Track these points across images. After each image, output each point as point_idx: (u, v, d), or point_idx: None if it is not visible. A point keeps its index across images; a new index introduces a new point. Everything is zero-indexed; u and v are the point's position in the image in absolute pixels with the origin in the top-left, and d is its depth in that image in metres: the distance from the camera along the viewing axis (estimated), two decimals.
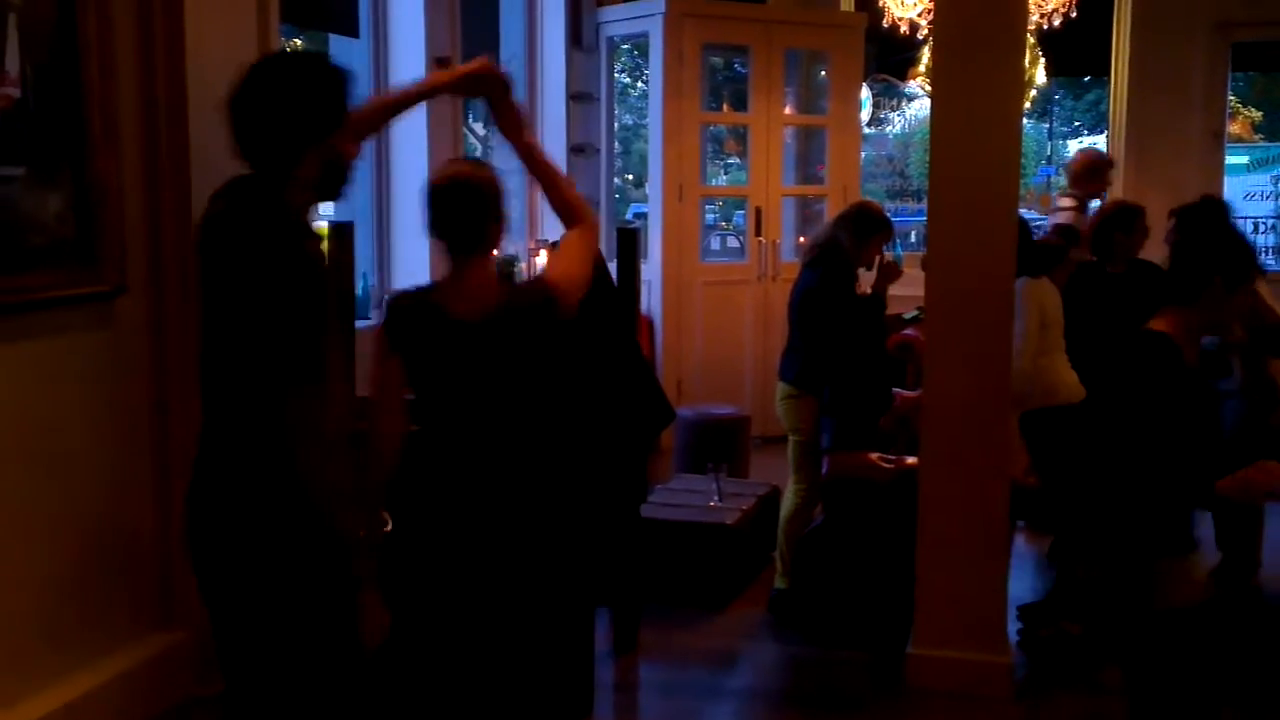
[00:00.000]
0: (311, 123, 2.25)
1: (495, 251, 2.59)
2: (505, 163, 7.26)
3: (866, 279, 4.88)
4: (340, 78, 2.30)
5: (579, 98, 7.29)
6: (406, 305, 2.53)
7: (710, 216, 14.49)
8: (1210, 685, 2.59)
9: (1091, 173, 5.98)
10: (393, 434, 2.47)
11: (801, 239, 8.18)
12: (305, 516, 2.13)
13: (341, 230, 4.11)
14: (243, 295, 2.16)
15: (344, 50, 5.43)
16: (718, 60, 10.06)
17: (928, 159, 3.92)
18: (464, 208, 2.48)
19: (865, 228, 4.58)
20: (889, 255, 4.63)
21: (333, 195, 2.41)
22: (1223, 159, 8.09)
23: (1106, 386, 2.55)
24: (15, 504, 3.15)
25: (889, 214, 4.86)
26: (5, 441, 3.11)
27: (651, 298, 6.98)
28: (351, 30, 5.26)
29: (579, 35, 7.29)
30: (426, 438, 2.49)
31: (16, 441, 3.14)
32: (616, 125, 8.04)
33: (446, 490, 2.40)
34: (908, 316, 4.69)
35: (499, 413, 2.42)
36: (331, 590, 2.20)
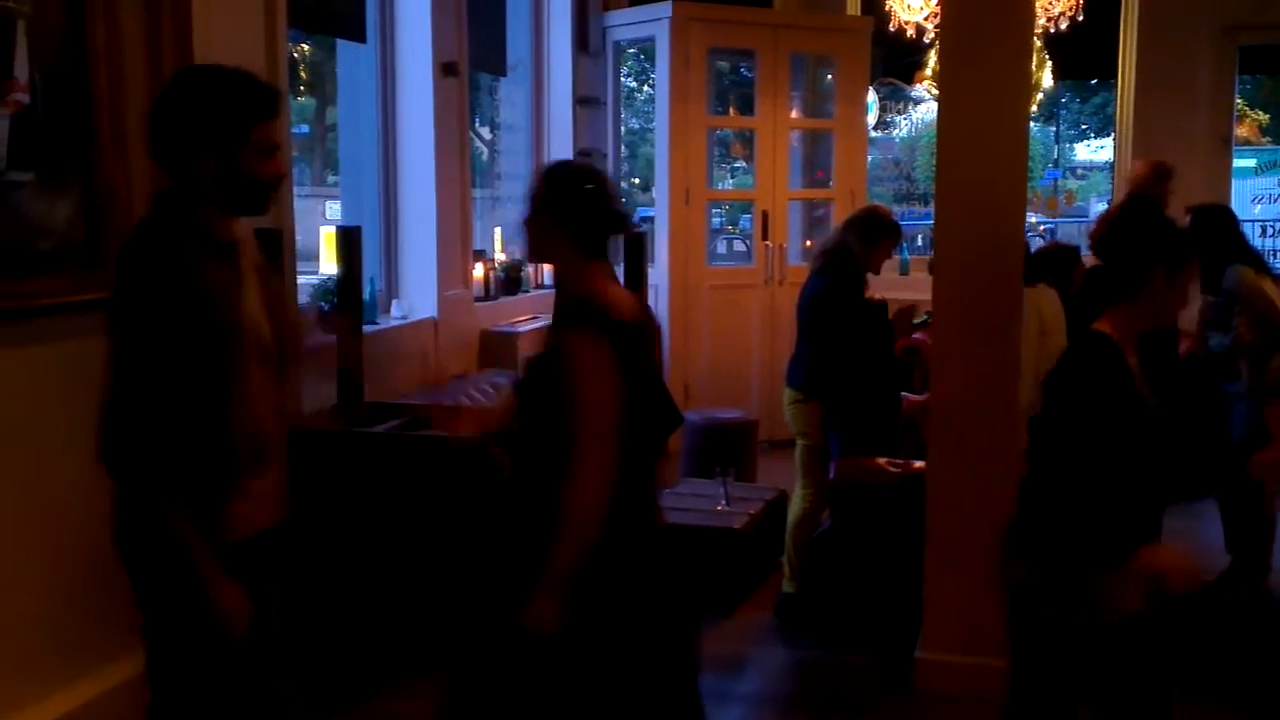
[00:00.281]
0: (206, 134, 2.27)
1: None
2: (511, 167, 7.30)
3: (875, 284, 4.87)
4: (243, 92, 2.31)
5: (585, 102, 7.30)
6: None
7: (716, 220, 14.52)
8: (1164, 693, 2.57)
9: (1157, 178, 5.93)
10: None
11: (809, 243, 8.19)
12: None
13: (349, 235, 4.12)
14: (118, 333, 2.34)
15: (351, 55, 5.44)
16: (724, 64, 10.10)
17: (934, 162, 3.91)
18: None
19: (874, 232, 4.58)
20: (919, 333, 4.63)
21: (248, 210, 2.40)
22: (1230, 162, 8.08)
23: (1051, 394, 2.52)
24: (21, 508, 3.15)
25: (896, 218, 4.85)
26: (11, 445, 3.12)
27: (658, 302, 6.97)
28: (359, 35, 5.27)
29: (585, 40, 7.30)
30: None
31: (22, 445, 3.15)
32: (622, 129, 8.05)
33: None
34: (917, 321, 4.68)
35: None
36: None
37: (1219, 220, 4.65)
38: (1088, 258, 4.99)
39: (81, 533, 3.34)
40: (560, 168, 2.60)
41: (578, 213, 2.43)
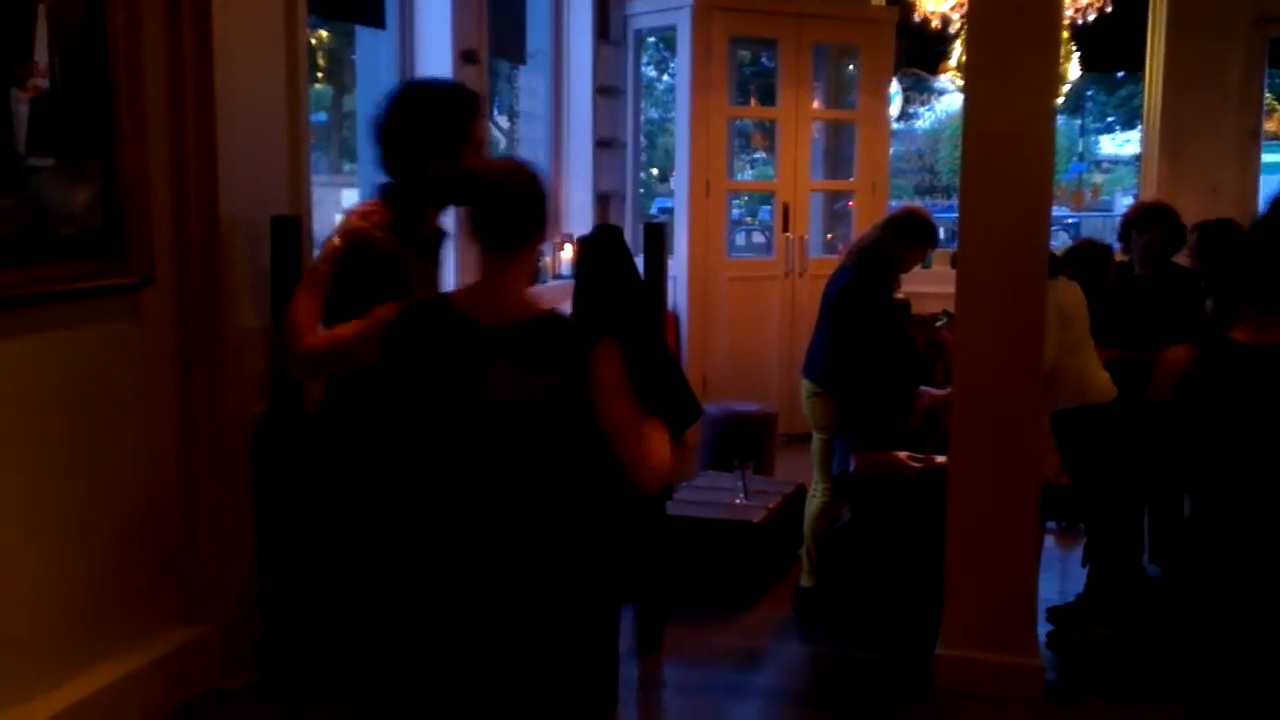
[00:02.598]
0: (437, 140, 2.68)
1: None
2: (530, 156, 7.27)
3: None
4: (459, 97, 2.75)
5: (605, 91, 7.27)
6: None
7: (736, 212, 14.47)
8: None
9: None
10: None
11: (829, 236, 8.15)
12: None
13: None
14: None
15: (370, 43, 5.42)
16: (745, 54, 10.03)
17: (957, 155, 3.87)
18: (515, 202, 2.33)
19: (913, 235, 4.57)
20: (942, 329, 4.59)
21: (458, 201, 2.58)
22: (1259, 157, 7.97)
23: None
24: (41, 494, 3.15)
25: (933, 220, 4.81)
26: (31, 430, 3.11)
27: (678, 293, 6.95)
28: (378, 22, 5.25)
29: (606, 28, 7.26)
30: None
31: (43, 431, 3.15)
32: (642, 119, 8.01)
33: (470, 484, 2.36)
34: (939, 324, 4.64)
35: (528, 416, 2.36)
36: None
37: (1228, 237, 4.60)
38: (1120, 255, 4.97)
39: (102, 517, 3.36)
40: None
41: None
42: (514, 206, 2.32)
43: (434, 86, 2.78)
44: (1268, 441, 2.38)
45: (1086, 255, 4.64)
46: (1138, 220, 4.84)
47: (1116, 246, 5.05)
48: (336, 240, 2.59)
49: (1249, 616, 2.42)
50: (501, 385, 2.24)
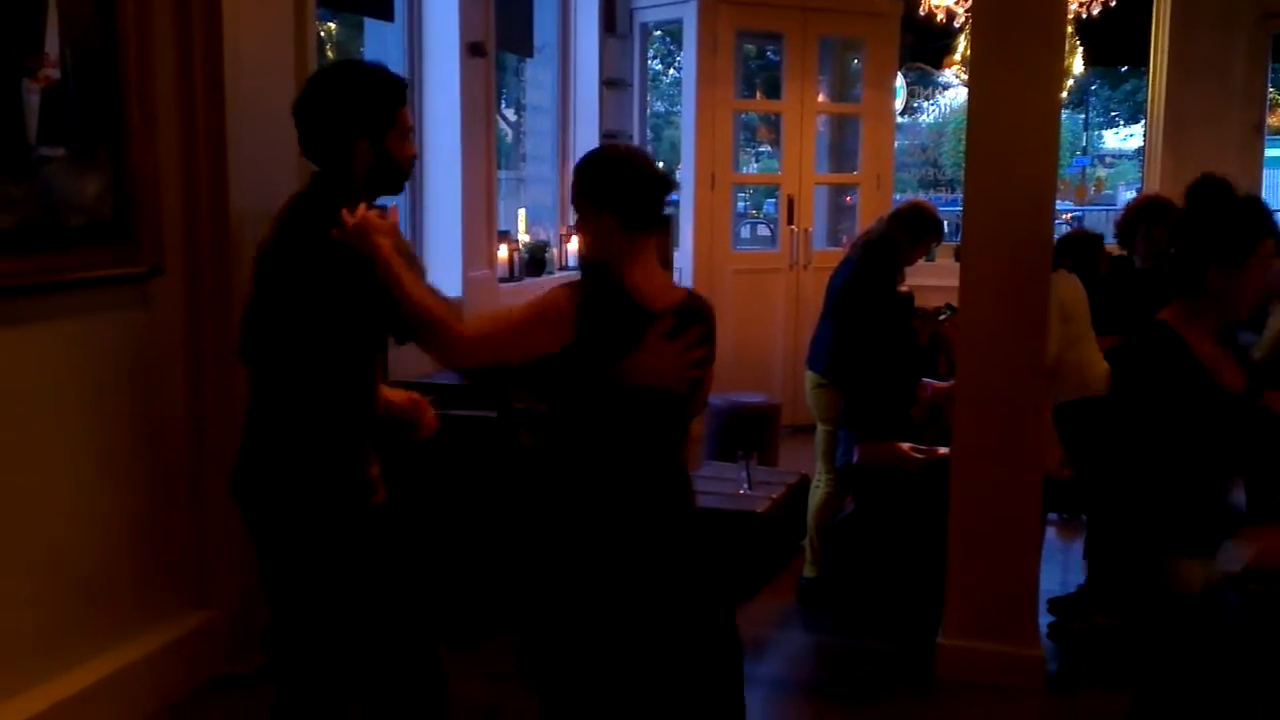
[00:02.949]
0: (360, 120, 2.45)
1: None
2: (536, 149, 7.29)
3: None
4: (384, 80, 2.51)
5: (612, 84, 7.28)
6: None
7: (741, 205, 14.48)
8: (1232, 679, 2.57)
9: None
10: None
11: (842, 234, 8.16)
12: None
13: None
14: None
15: (378, 34, 5.44)
16: (751, 47, 10.04)
17: (961, 148, 3.89)
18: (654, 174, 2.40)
19: (917, 228, 4.59)
20: (946, 322, 4.61)
21: (389, 190, 2.59)
22: (1263, 151, 7.97)
23: (1115, 382, 2.55)
24: (51, 481, 3.18)
25: (938, 214, 4.83)
26: (42, 418, 3.15)
27: (683, 285, 6.95)
28: (386, 14, 5.27)
29: (613, 22, 7.28)
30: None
31: (54, 418, 3.18)
32: (648, 112, 8.03)
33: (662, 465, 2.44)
34: (942, 317, 4.66)
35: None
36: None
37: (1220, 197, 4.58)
38: (1112, 246, 4.98)
39: (112, 503, 3.39)
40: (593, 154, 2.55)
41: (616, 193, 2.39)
42: (657, 184, 2.39)
43: (360, 66, 2.58)
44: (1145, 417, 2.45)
45: (1080, 245, 4.64)
46: (1150, 213, 4.82)
47: (1112, 240, 5.04)
48: (382, 241, 2.37)
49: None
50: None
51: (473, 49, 5.44)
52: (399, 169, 2.54)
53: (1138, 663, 2.68)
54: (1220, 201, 2.61)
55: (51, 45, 3.09)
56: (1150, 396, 2.43)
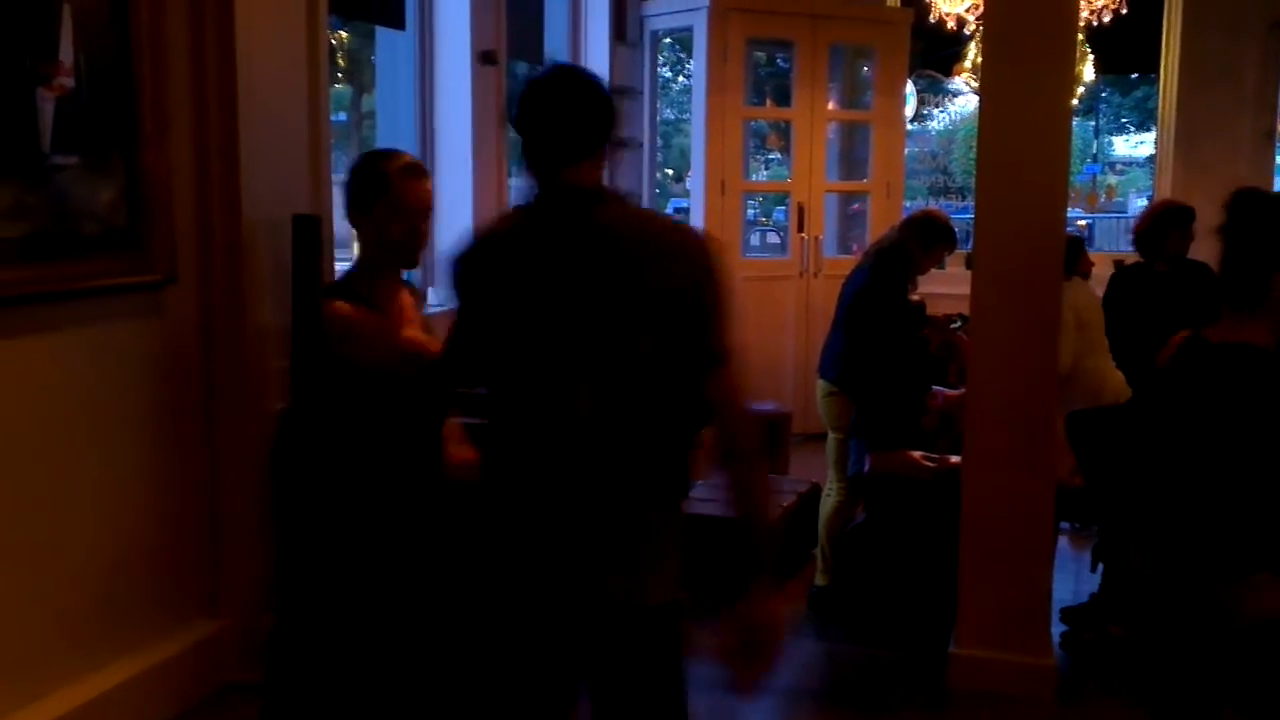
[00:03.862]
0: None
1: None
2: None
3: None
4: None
5: (622, 92, 7.29)
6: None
7: (751, 212, 14.47)
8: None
9: None
10: None
11: (852, 242, 8.14)
12: None
13: None
14: None
15: (390, 42, 5.46)
16: (761, 55, 10.03)
17: (971, 156, 3.89)
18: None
19: (930, 237, 4.58)
20: (957, 331, 4.60)
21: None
22: (1274, 158, 7.95)
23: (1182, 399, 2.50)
24: (64, 488, 3.19)
25: (952, 223, 4.81)
26: (55, 425, 3.15)
27: None
28: (398, 23, 5.29)
29: (623, 29, 7.29)
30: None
31: (66, 425, 3.19)
32: (658, 120, 8.03)
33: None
34: (953, 325, 4.66)
35: None
36: None
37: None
38: (1127, 254, 4.97)
39: (124, 511, 3.40)
40: None
41: None
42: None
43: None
44: (1230, 439, 2.41)
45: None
46: (1176, 218, 4.79)
47: (1129, 248, 5.02)
48: None
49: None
50: None
51: (484, 57, 5.46)
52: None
53: (1170, 690, 2.64)
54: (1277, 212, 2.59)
55: (66, 54, 3.11)
56: (1249, 416, 2.39)
